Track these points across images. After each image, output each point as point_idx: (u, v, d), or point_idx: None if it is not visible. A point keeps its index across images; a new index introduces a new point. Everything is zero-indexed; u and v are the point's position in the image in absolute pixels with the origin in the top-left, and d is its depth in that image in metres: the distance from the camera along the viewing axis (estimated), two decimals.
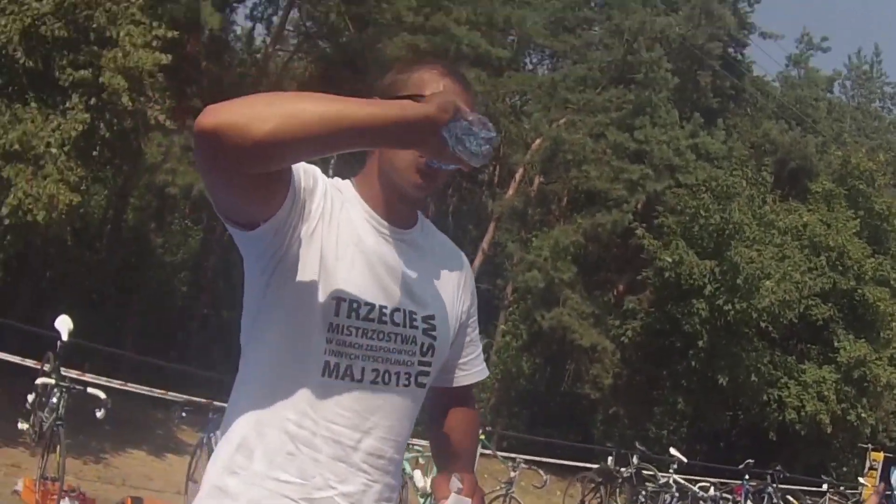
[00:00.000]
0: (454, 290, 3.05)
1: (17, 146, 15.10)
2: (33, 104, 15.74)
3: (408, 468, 14.77)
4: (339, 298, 2.70)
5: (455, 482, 2.86)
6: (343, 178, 2.95)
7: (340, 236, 2.75)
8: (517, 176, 33.10)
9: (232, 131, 2.24)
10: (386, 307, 2.77)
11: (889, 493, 9.93)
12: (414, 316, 2.83)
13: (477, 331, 3.26)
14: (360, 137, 2.44)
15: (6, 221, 15.68)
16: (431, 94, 2.56)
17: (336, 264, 2.72)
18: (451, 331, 3.00)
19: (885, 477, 9.78)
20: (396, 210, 2.88)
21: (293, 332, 2.71)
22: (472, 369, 3.24)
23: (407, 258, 2.87)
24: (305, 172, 2.70)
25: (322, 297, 2.69)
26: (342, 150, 2.55)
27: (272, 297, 2.74)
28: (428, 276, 2.93)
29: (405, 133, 2.46)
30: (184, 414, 15.77)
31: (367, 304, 2.73)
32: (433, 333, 2.87)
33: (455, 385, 3.22)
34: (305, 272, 2.69)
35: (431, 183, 2.82)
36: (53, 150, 15.26)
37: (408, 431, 2.91)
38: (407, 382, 2.82)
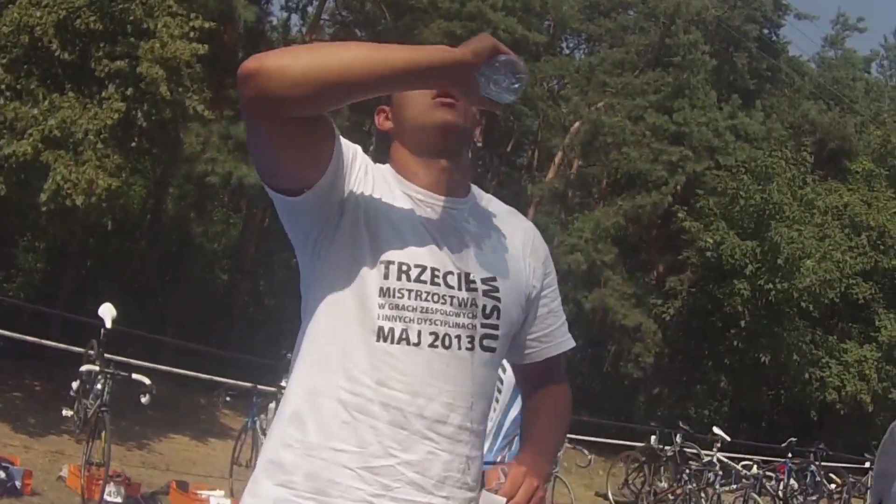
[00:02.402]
0: (520, 255, 2.98)
1: (56, 132, 15.21)
2: (71, 94, 15.84)
3: None
4: (387, 262, 2.70)
5: (500, 475, 2.75)
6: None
7: (385, 206, 2.78)
8: (556, 159, 33.05)
9: (273, 70, 2.40)
10: (438, 269, 2.74)
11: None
12: (471, 278, 2.79)
13: (558, 301, 3.18)
14: (396, 80, 2.59)
15: (44, 209, 15.82)
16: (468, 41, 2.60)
17: (383, 231, 2.73)
18: (519, 295, 2.93)
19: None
20: (441, 182, 2.88)
21: (344, 300, 2.72)
22: (555, 340, 3.14)
23: (460, 225, 2.86)
24: (346, 145, 2.76)
25: (371, 263, 2.71)
26: (379, 93, 2.66)
27: (321, 269, 2.77)
28: (486, 241, 2.89)
29: (439, 76, 2.60)
30: (228, 398, 15.94)
31: (417, 265, 2.72)
32: (496, 295, 2.82)
33: (539, 359, 3.13)
34: (352, 241, 2.73)
35: (456, 113, 2.84)
36: (91, 138, 15.37)
37: (481, 398, 2.83)
38: (470, 346, 2.76)
